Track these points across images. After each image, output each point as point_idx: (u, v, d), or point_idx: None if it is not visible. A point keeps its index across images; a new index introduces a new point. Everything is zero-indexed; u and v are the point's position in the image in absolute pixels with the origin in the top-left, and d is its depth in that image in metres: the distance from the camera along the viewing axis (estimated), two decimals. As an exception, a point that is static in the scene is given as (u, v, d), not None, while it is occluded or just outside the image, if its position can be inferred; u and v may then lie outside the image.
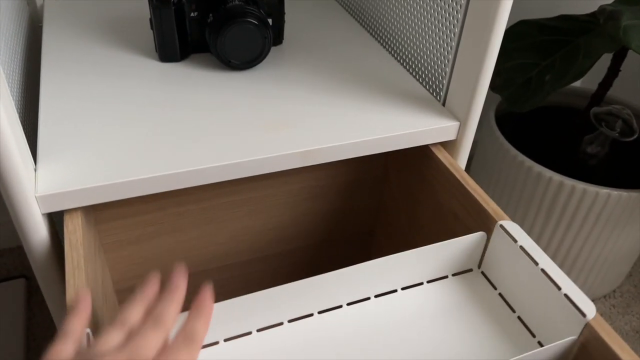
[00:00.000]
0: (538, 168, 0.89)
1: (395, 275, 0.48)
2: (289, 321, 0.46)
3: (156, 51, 0.64)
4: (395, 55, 0.68)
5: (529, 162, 0.90)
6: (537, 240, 0.97)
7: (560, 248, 0.95)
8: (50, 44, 0.66)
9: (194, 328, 0.36)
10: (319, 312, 0.47)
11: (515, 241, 0.46)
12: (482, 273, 0.51)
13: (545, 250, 0.97)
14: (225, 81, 0.61)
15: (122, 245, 0.61)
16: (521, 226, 0.85)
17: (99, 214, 0.57)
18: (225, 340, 0.45)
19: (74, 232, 0.45)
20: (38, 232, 0.46)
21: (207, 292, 0.38)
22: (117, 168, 0.48)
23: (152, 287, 0.39)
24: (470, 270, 0.52)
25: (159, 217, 0.61)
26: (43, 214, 0.46)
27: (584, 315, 0.40)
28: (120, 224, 0.59)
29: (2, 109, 0.39)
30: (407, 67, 0.65)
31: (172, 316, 0.36)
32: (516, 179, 0.93)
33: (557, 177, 0.87)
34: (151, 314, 0.36)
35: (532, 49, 0.82)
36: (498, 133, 0.94)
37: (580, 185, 0.86)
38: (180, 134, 0.52)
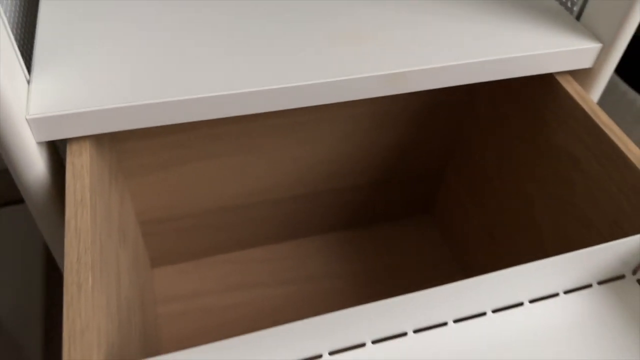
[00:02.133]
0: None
1: (523, 286, 0.35)
2: (373, 342, 0.33)
3: None
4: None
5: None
6: None
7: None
8: None
9: None
10: (415, 332, 0.34)
11: None
12: (639, 281, 0.38)
13: None
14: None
15: (146, 169, 0.50)
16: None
17: (117, 132, 0.45)
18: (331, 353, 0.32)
19: (79, 154, 0.33)
20: (32, 166, 0.34)
21: None
22: (140, 85, 0.35)
23: None
24: (622, 277, 0.38)
25: (189, 139, 0.48)
26: (39, 143, 0.34)
27: None
28: (143, 145, 0.47)
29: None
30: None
31: None
32: (622, 117, 0.77)
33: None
34: None
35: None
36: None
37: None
38: (222, 42, 0.39)
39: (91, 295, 0.27)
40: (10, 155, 0.33)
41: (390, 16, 0.42)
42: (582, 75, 0.44)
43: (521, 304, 0.36)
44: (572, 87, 0.42)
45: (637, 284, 0.38)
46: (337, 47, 0.39)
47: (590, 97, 0.44)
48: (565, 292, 0.36)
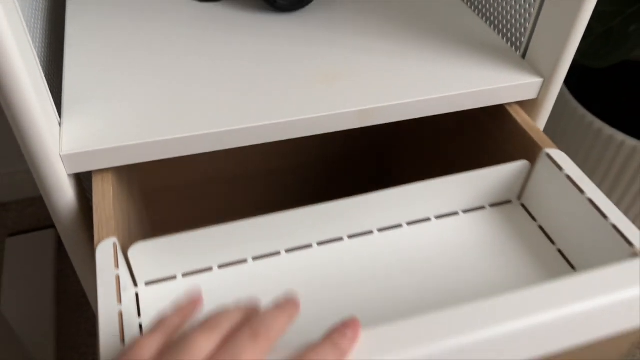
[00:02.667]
0: (609, 130, 0.80)
1: (429, 203, 0.46)
2: (318, 244, 0.45)
3: (193, -11, 0.57)
4: (464, -2, 0.59)
5: (598, 123, 0.81)
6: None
7: (627, 217, 0.87)
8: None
9: (267, 321, 0.29)
10: (349, 237, 0.45)
11: (561, 169, 0.44)
12: (522, 205, 0.49)
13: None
14: (270, 24, 0.54)
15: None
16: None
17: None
18: (254, 258, 0.43)
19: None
20: (64, 194, 0.41)
21: (296, 299, 0.32)
22: (152, 125, 0.42)
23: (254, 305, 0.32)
24: (510, 201, 0.49)
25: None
26: (69, 175, 0.40)
27: (630, 244, 0.38)
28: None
29: (16, 49, 0.33)
30: (477, 12, 0.57)
31: (278, 331, 0.29)
32: (583, 141, 0.84)
33: (630, 141, 0.79)
34: (252, 323, 0.29)
35: (615, -6, 0.71)
36: (564, 89, 0.85)
37: (656, 151, 0.77)
38: (219, 86, 0.46)
39: (112, 202, 0.39)
40: (45, 185, 0.40)
41: (359, 59, 0.49)
42: (528, 105, 0.51)
43: (429, 219, 0.47)
44: (516, 113, 0.50)
45: (521, 208, 0.49)
46: (313, 87, 0.46)
47: (537, 125, 0.51)
48: (464, 212, 0.48)
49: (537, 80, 0.49)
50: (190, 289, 0.34)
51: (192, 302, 0.32)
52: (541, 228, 0.46)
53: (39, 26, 0.50)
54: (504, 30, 0.53)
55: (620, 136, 0.79)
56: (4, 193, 1.10)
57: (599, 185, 0.86)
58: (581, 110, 0.82)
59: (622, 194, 0.85)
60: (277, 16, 0.55)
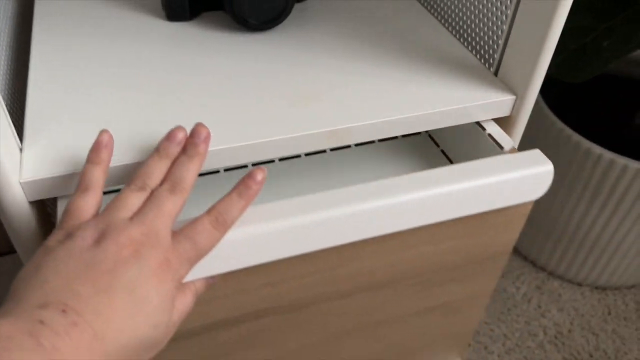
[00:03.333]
0: (587, 144, 0.80)
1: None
2: (252, 164, 0.53)
3: (162, 9, 0.56)
4: (436, 14, 0.59)
5: (576, 137, 0.81)
6: (580, 221, 0.89)
7: (605, 230, 0.87)
8: (44, 1, 0.58)
9: (182, 175, 0.34)
10: (280, 160, 0.54)
11: None
12: (429, 136, 0.60)
13: (587, 232, 0.89)
14: (241, 44, 0.53)
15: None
16: (563, 206, 0.81)
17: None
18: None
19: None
20: (25, 221, 0.40)
21: (202, 134, 0.35)
22: (119, 148, 0.40)
23: (176, 143, 0.36)
24: (419, 133, 0.59)
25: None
26: (30, 202, 0.39)
27: (501, 147, 0.48)
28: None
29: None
30: (450, 28, 0.57)
31: (191, 181, 0.34)
32: (561, 155, 0.84)
33: (607, 154, 0.79)
34: (170, 178, 0.34)
35: (588, 11, 0.72)
36: (542, 104, 0.85)
37: (633, 165, 0.78)
38: (189, 108, 0.45)
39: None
40: (5, 213, 0.38)
41: (330, 78, 0.49)
42: (502, 122, 0.51)
43: (349, 146, 0.58)
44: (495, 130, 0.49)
45: (428, 138, 0.59)
46: (283, 108, 0.45)
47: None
48: (380, 141, 0.58)
49: (509, 98, 0.48)
50: (99, 137, 0.37)
51: (106, 150, 0.36)
52: (443, 152, 0.58)
53: (2, 52, 0.49)
54: (477, 47, 0.53)
55: (597, 149, 0.79)
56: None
57: (579, 197, 0.86)
58: (559, 124, 0.82)
59: (601, 206, 0.85)
60: (249, 35, 0.54)
